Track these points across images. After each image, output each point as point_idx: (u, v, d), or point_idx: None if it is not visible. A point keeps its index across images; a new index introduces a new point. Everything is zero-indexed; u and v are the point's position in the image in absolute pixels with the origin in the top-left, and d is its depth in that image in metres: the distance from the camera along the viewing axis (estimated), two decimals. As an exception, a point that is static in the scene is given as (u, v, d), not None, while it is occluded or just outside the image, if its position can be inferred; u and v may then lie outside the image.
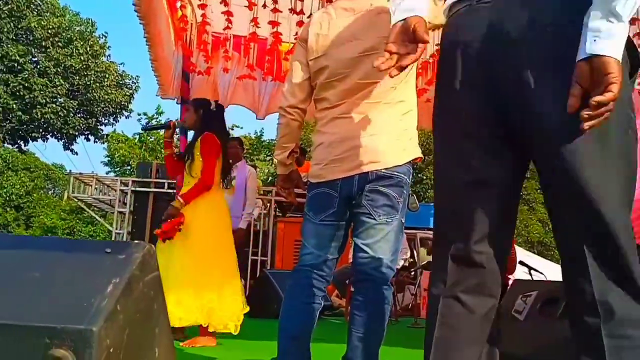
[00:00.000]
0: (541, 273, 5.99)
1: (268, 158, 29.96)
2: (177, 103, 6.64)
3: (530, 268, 5.70)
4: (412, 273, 7.12)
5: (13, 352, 0.78)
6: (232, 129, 28.85)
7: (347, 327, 2.12)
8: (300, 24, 5.23)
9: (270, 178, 28.56)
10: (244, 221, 5.95)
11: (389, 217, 2.10)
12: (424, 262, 6.71)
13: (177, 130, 4.19)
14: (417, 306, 6.38)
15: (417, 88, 6.49)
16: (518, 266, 5.55)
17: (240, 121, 31.40)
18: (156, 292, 0.96)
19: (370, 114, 2.10)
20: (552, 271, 8.01)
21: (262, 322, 5.65)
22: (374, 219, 2.12)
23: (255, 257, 8.75)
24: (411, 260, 7.57)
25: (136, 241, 0.95)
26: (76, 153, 26.74)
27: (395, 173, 2.10)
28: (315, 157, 2.21)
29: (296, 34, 5.51)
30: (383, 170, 2.09)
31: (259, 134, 28.68)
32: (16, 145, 25.33)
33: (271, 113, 7.07)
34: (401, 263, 6.40)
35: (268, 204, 9.41)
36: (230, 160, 6.32)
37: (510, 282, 5.48)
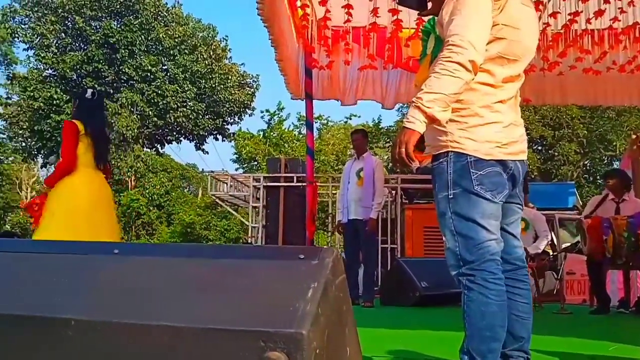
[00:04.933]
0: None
1: (387, 145, 29.86)
2: (301, 99, 6.83)
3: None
4: (552, 257, 6.78)
5: (230, 355, 0.86)
6: (350, 119, 29.10)
7: None
8: (421, 8, 5.17)
9: (390, 164, 28.46)
10: (374, 211, 5.98)
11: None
12: (567, 245, 6.35)
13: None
14: (562, 291, 6.07)
15: (549, 62, 6.19)
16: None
17: (356, 110, 31.46)
18: (344, 294, 1.02)
19: (516, 107, 2.12)
20: None
21: (397, 309, 5.69)
22: (521, 209, 2.15)
23: (385, 245, 8.78)
24: (550, 242, 7.20)
25: (325, 247, 1.01)
26: (207, 152, 28.52)
27: None
28: (487, 136, 1.95)
29: (417, 19, 5.44)
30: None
31: (376, 122, 28.63)
32: (154, 149, 27.44)
33: (399, 102, 7.11)
34: (542, 247, 6.11)
35: (394, 192, 9.40)
36: (355, 152, 6.45)
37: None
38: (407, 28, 5.73)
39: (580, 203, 10.28)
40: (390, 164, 28.18)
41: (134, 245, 0.95)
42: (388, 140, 29.54)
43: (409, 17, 5.46)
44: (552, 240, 7.17)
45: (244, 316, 0.89)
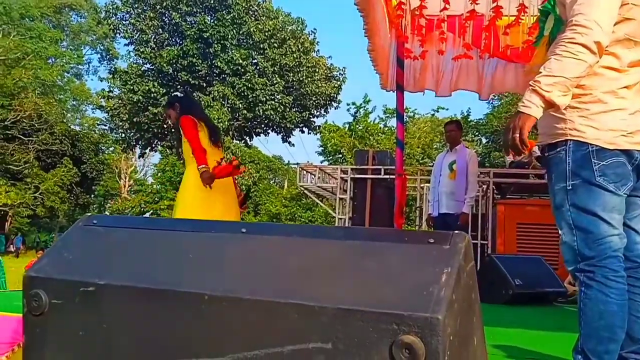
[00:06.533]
0: None
1: (476, 138, 29.06)
2: (392, 91, 6.74)
3: None
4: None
5: (362, 336, 0.85)
6: (437, 111, 28.58)
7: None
8: (523, -6, 4.96)
9: (479, 159, 27.58)
10: (467, 206, 5.82)
11: None
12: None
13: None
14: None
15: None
16: None
17: (444, 102, 30.81)
18: (473, 281, 0.98)
19: None
20: None
21: (489, 306, 5.51)
22: None
23: (475, 241, 8.55)
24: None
25: (457, 232, 0.98)
26: (293, 145, 28.98)
27: None
28: (610, 124, 1.83)
29: (519, 5, 5.23)
30: None
31: (465, 114, 27.90)
32: (243, 141, 28.19)
33: (495, 93, 6.90)
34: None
35: (484, 186, 9.13)
36: (449, 144, 6.30)
37: None
38: (507, 15, 5.51)
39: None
40: (479, 159, 27.41)
41: (260, 224, 0.97)
42: (477, 133, 28.74)
43: (509, 4, 5.26)
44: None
45: (376, 298, 0.88)
